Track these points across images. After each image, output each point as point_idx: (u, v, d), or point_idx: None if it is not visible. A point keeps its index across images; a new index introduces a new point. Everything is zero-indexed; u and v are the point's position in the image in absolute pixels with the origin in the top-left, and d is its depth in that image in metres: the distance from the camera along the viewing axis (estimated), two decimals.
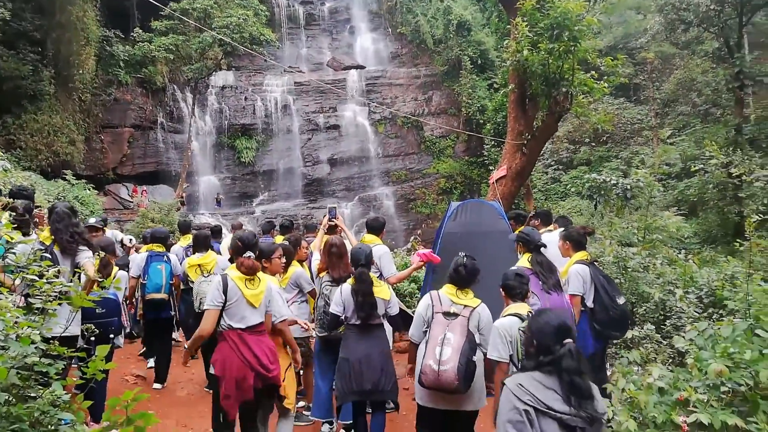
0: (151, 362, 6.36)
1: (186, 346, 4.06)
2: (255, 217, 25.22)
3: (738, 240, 5.23)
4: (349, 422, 4.82)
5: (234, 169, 28.48)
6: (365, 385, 4.18)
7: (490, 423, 4.69)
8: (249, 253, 3.86)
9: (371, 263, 4.53)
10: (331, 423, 4.97)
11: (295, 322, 4.45)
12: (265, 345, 3.87)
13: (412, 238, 12.46)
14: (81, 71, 22.00)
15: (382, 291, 4.38)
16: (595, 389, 2.52)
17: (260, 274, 3.98)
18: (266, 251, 4.28)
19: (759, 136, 16.15)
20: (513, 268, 4.43)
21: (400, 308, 5.05)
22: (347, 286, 4.35)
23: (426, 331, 3.91)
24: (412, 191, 30.11)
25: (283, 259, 4.64)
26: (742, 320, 4.24)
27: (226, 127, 28.35)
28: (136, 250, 7.88)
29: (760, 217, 4.67)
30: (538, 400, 2.32)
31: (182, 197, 24.42)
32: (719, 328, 3.97)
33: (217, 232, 8.88)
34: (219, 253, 7.75)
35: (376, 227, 5.80)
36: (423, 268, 5.78)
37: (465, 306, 3.87)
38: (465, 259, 3.97)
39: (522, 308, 3.76)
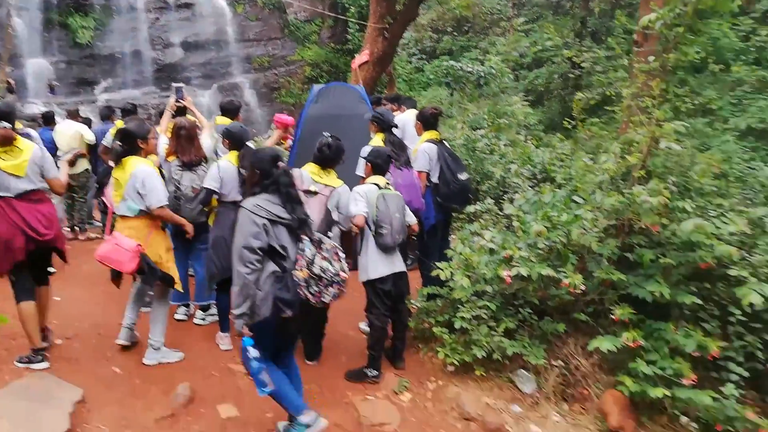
0: None
1: None
2: (97, 106, 22.67)
3: (567, 119, 5.77)
4: (206, 303, 4.87)
5: (69, 52, 24.89)
6: None
7: (347, 295, 4.99)
8: (3, 123, 3.84)
9: None
10: (187, 306, 4.98)
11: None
12: (38, 211, 4.00)
13: (273, 125, 12.11)
14: None
15: None
16: (303, 196, 3.34)
17: (23, 143, 3.96)
18: (139, 133, 4.10)
19: (600, 29, 17.39)
20: (369, 146, 4.59)
21: None
22: (226, 163, 4.32)
23: None
24: (276, 79, 28.72)
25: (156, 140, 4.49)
26: (563, 189, 4.79)
27: (56, 1, 24.37)
28: None
29: (583, 95, 5.16)
30: (272, 213, 3.01)
31: (9, 83, 21.12)
32: (542, 196, 4.47)
33: (48, 118, 7.96)
34: (52, 141, 7.06)
35: (230, 110, 5.61)
36: (288, 140, 5.71)
37: (326, 185, 3.98)
38: (330, 139, 4.02)
39: (380, 180, 4.11)
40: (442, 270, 4.20)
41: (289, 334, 3.28)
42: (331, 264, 3.06)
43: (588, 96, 5.23)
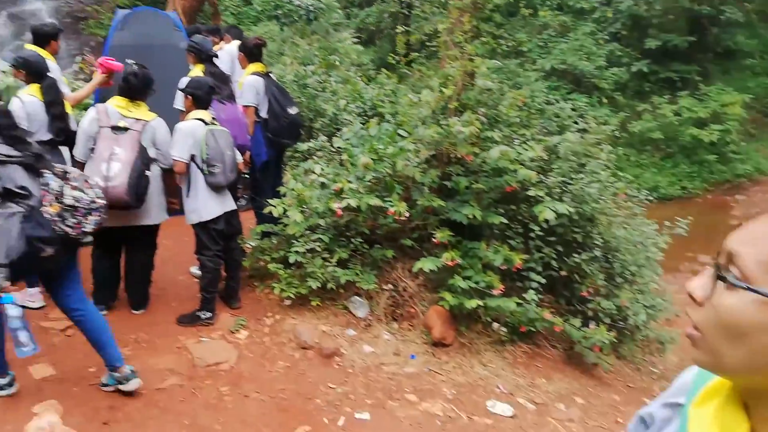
0: None
1: None
2: None
3: (392, 55, 5.92)
4: None
5: None
6: None
7: (174, 239, 4.77)
8: None
9: None
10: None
11: None
12: None
13: (78, 58, 10.75)
14: None
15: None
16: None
17: None
18: None
19: None
20: (188, 77, 4.28)
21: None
22: (30, 97, 3.80)
23: (93, 148, 3.61)
24: (82, 8, 25.06)
25: None
26: (389, 124, 4.97)
27: None
28: None
29: (403, 28, 5.32)
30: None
31: None
32: (369, 130, 4.60)
33: None
34: None
35: (41, 35, 4.79)
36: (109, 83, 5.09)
37: (137, 119, 3.65)
38: (135, 67, 3.68)
39: (206, 115, 3.89)
40: (274, 207, 4.17)
41: (56, 274, 3.01)
42: (83, 192, 2.88)
43: (406, 29, 5.37)
